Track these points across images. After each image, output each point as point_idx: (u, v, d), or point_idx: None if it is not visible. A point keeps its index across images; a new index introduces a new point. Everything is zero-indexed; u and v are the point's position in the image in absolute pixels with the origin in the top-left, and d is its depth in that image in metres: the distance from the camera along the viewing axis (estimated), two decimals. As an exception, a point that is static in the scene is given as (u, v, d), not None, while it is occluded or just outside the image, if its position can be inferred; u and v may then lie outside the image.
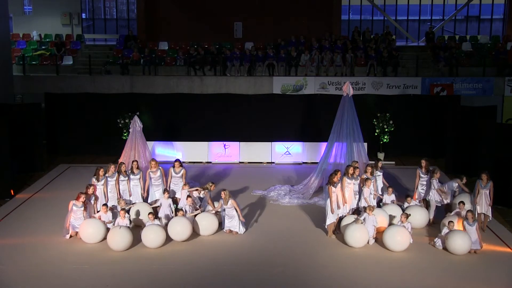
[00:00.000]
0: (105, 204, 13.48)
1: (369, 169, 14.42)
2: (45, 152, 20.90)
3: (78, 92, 22.34)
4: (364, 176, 14.15)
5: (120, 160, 16.27)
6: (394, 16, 30.21)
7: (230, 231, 13.52)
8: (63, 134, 21.88)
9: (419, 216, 13.66)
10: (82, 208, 13.08)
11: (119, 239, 12.40)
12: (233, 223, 13.46)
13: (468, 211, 12.72)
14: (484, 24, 31.06)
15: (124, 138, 20.06)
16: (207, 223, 13.42)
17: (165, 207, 13.73)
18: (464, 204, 13.17)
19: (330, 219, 13.28)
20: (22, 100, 23.14)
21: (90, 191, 13.61)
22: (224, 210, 13.58)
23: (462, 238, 12.26)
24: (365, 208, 13.17)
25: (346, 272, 11.51)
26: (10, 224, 14.24)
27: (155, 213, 13.62)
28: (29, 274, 11.32)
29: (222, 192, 13.56)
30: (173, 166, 15.06)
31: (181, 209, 13.26)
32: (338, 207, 13.30)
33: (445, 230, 12.63)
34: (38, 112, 19.82)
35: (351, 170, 13.84)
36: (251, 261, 12.06)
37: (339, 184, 13.43)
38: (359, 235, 12.58)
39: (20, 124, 18.73)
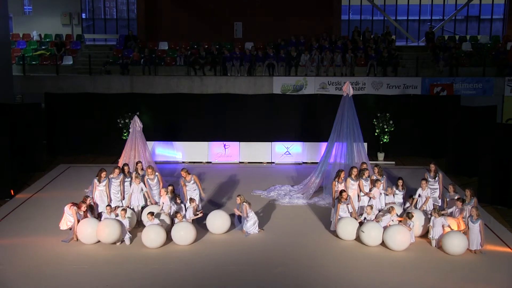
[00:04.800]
0: (109, 205, 13.47)
1: (375, 169, 14.40)
2: (45, 152, 20.90)
3: (78, 92, 22.33)
4: (374, 177, 14.13)
5: (121, 160, 16.29)
6: (394, 16, 30.22)
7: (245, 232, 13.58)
8: (63, 134, 21.85)
9: (419, 223, 13.29)
10: (82, 216, 13.05)
11: (108, 231, 12.51)
12: (247, 224, 13.47)
13: (472, 207, 12.68)
14: (484, 24, 31.07)
15: (124, 138, 20.06)
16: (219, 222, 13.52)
17: (167, 205, 13.75)
18: (462, 202, 13.11)
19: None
20: (22, 100, 23.14)
21: (88, 202, 13.43)
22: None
23: (458, 239, 12.28)
24: (389, 208, 13.21)
25: (346, 272, 11.50)
26: (10, 224, 14.23)
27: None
28: (29, 274, 11.31)
29: (238, 198, 13.61)
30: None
31: (179, 212, 13.24)
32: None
33: (433, 223, 12.67)
34: (38, 112, 19.81)
35: (355, 172, 13.86)
36: (251, 261, 12.05)
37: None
38: (399, 238, 12.47)
39: (20, 124, 18.73)
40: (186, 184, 14.24)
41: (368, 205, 13.48)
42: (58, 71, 24.57)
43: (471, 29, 30.97)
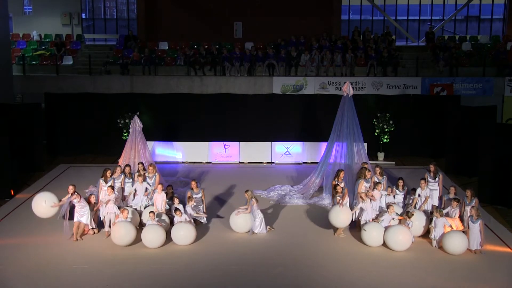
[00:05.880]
0: (111, 186, 13.56)
1: (377, 169, 14.37)
2: (45, 152, 20.89)
3: (78, 92, 22.32)
4: (375, 180, 14.10)
5: (121, 160, 16.30)
6: (394, 16, 30.22)
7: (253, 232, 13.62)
8: (63, 134, 21.84)
9: (419, 223, 13.28)
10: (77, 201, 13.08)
11: (124, 233, 12.50)
12: (255, 222, 13.50)
13: (472, 207, 12.70)
14: (484, 24, 31.06)
15: (124, 138, 20.05)
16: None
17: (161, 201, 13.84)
18: (458, 201, 13.12)
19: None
20: (22, 100, 23.13)
21: (93, 200, 13.58)
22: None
23: (458, 238, 12.29)
24: (387, 206, 13.28)
25: (346, 272, 11.51)
26: (10, 224, 14.24)
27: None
28: (29, 274, 11.32)
29: (246, 193, 13.67)
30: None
31: (179, 209, 13.23)
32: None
33: (435, 223, 12.71)
34: (38, 112, 19.81)
35: (368, 173, 13.93)
36: (251, 261, 12.05)
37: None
38: (400, 238, 12.50)
39: (20, 124, 18.72)
40: (194, 196, 13.98)
41: (362, 192, 13.58)
42: (58, 71, 24.56)
43: (471, 29, 30.96)
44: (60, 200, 13.41)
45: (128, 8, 30.95)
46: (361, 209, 13.51)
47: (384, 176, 14.44)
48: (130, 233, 12.58)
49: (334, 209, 13.34)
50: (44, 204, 13.21)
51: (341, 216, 13.18)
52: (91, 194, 13.84)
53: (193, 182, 14.25)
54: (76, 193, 13.14)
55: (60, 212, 13.40)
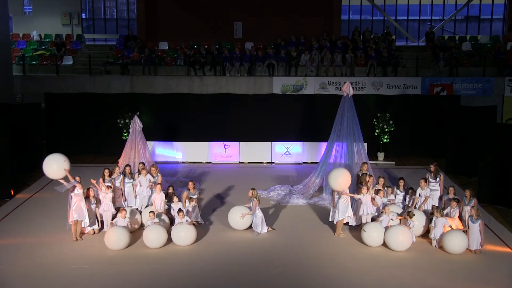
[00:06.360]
0: (109, 186, 13.61)
1: (381, 180, 14.32)
2: (45, 152, 20.84)
3: (78, 92, 22.33)
4: (376, 189, 14.05)
5: (121, 160, 16.29)
6: (394, 16, 30.23)
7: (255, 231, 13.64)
8: (63, 134, 21.85)
9: (419, 223, 13.24)
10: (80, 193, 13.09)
11: (116, 238, 12.47)
12: (255, 222, 13.51)
13: (472, 207, 12.71)
14: (484, 24, 31.08)
15: (124, 138, 20.06)
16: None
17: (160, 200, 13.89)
18: (457, 202, 13.13)
19: (343, 214, 13.32)
20: (22, 100, 23.13)
21: (91, 193, 13.56)
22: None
23: (458, 238, 12.30)
24: (384, 207, 13.30)
25: (346, 272, 11.51)
26: (10, 224, 14.25)
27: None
28: (29, 274, 11.32)
29: (250, 191, 13.63)
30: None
31: (182, 210, 13.22)
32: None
33: (435, 223, 12.72)
34: (38, 112, 19.81)
35: (370, 179, 13.98)
36: (251, 261, 12.06)
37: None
38: (401, 238, 12.51)
39: (20, 124, 18.73)
40: (190, 196, 13.98)
41: (361, 186, 13.64)
42: (58, 71, 24.56)
43: (471, 29, 30.98)
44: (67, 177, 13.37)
45: (128, 8, 30.96)
46: (361, 203, 13.47)
47: (385, 188, 14.34)
48: (123, 238, 12.52)
49: (335, 169, 13.42)
50: (62, 163, 13.10)
51: (339, 179, 13.19)
52: (89, 188, 13.79)
53: (190, 183, 14.25)
54: (81, 184, 13.18)
55: (60, 188, 13.30)
